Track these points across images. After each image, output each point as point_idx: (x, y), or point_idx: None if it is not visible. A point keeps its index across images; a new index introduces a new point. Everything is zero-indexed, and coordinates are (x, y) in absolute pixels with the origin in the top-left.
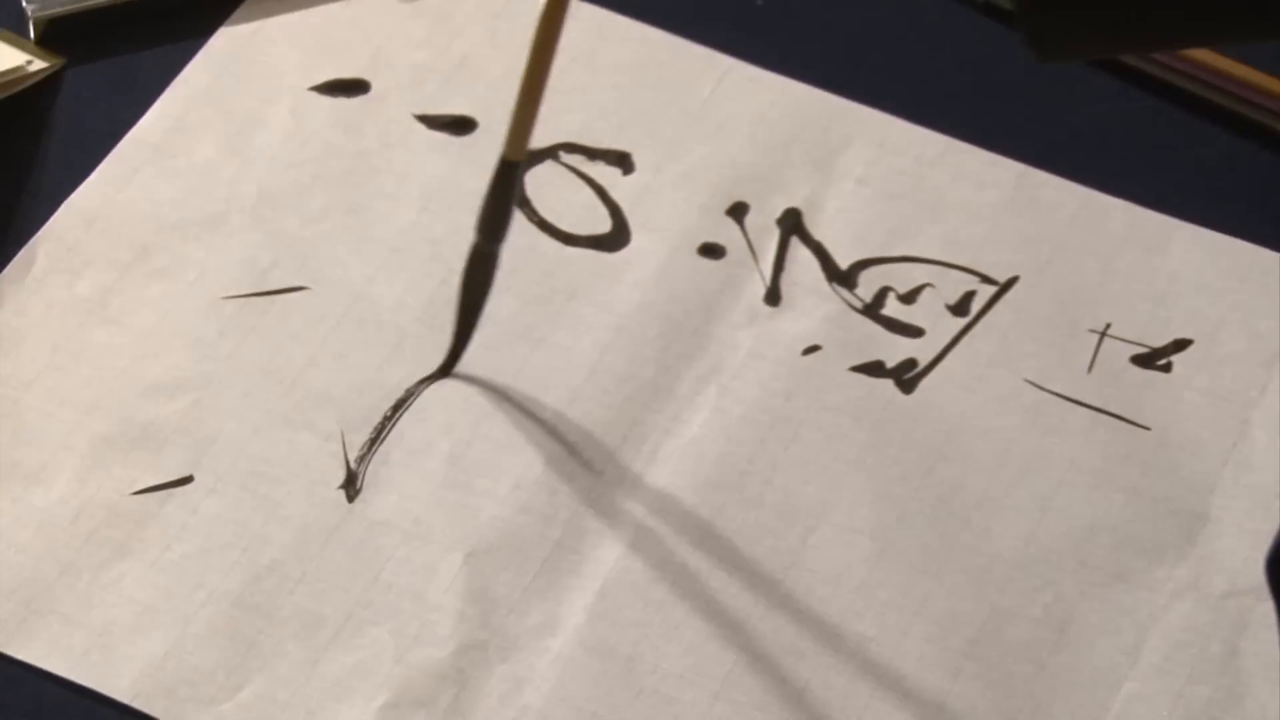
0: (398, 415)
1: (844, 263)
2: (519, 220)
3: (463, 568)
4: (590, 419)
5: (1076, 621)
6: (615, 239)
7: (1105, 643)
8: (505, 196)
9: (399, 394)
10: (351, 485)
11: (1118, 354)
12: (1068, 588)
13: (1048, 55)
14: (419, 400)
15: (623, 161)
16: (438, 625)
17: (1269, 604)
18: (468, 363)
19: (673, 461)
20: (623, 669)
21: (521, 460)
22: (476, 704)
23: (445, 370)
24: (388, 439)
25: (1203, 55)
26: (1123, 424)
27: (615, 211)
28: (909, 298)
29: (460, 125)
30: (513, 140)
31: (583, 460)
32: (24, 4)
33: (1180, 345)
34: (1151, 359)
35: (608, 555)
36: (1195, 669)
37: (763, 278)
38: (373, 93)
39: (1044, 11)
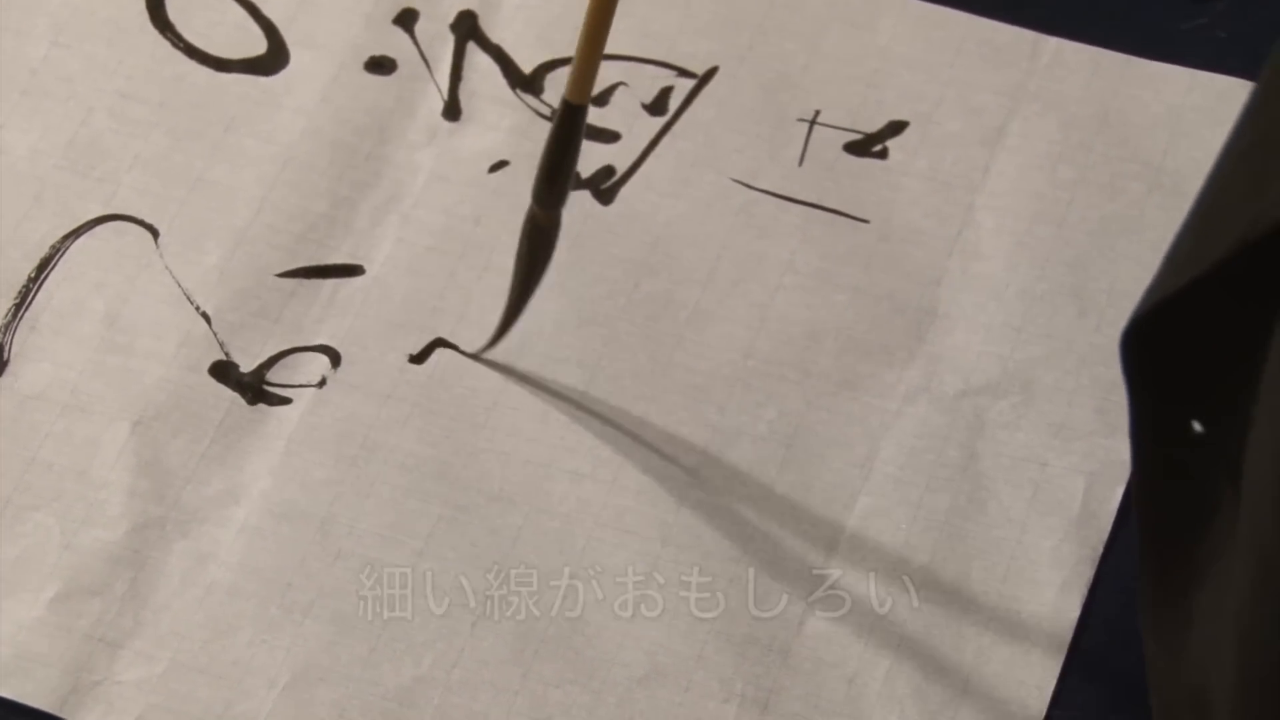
0: (43, 276)
1: (527, 66)
2: (164, 49)
3: (130, 438)
4: (260, 262)
5: (804, 435)
6: (272, 60)
7: (836, 456)
8: (568, 150)
9: (43, 252)
10: None
11: (830, 143)
12: (792, 401)
13: None
14: (66, 257)
15: None
16: (107, 504)
17: (1005, 402)
18: (115, 205)
19: (355, 303)
20: (316, 533)
21: (186, 314)
22: (157, 586)
23: (486, 347)
24: (34, 303)
25: None
26: (840, 218)
27: (270, 30)
28: (601, 99)
29: None
30: (577, 78)
31: (255, 308)
32: None
33: (896, 128)
34: (866, 145)
35: (290, 412)
36: (933, 476)
37: (440, 90)
38: None
39: None
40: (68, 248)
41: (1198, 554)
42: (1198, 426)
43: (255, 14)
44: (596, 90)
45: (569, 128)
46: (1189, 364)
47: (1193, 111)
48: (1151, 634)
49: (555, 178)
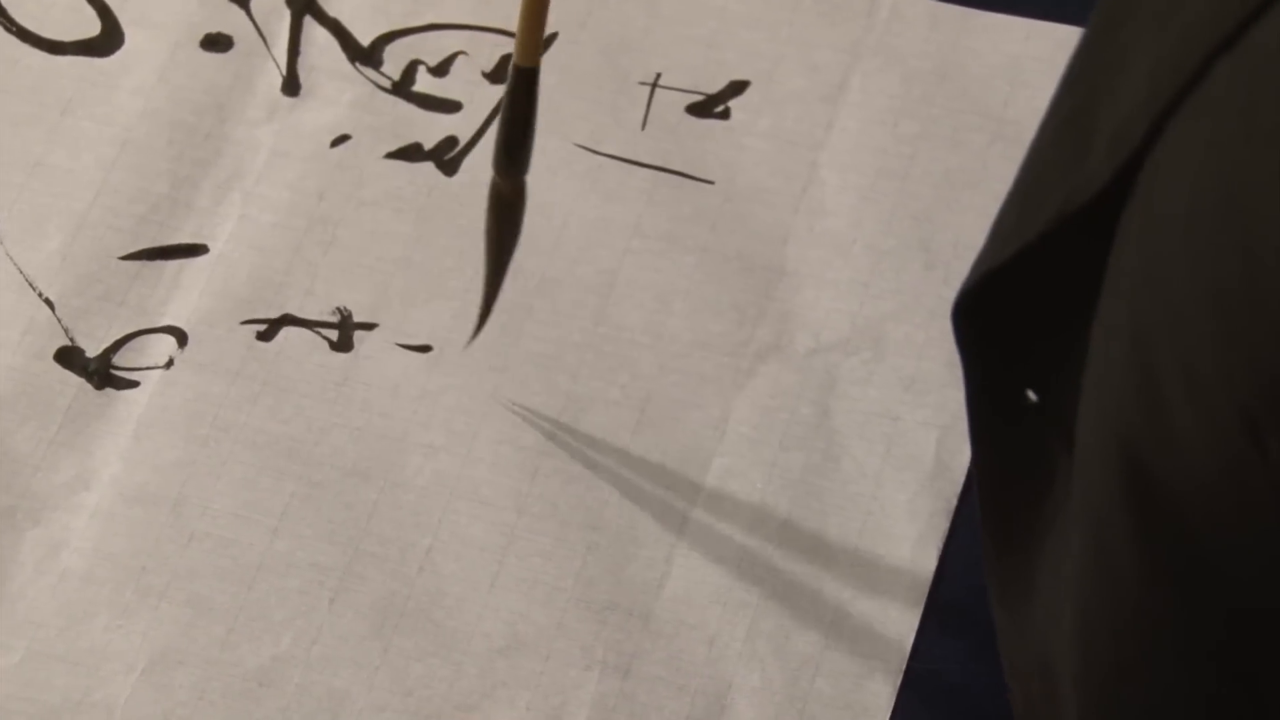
0: None
1: (366, 38)
2: None
3: None
4: (102, 245)
5: (657, 399)
6: (107, 41)
7: (690, 418)
8: (523, 115)
9: None
10: None
11: (672, 105)
12: (644, 364)
13: None
14: None
15: None
16: None
17: (856, 358)
18: None
19: (201, 282)
20: (170, 515)
21: (29, 301)
22: (9, 576)
23: (475, 332)
24: None
25: None
26: (685, 180)
27: (104, 10)
28: (441, 69)
29: None
30: (524, 39)
31: (99, 292)
32: None
33: (737, 88)
34: (708, 106)
35: (139, 395)
36: (787, 434)
37: (278, 66)
38: None
39: None
40: None
41: (1036, 523)
42: (1033, 395)
43: None
44: (435, 60)
45: (522, 92)
46: (1021, 333)
47: (1032, 61)
48: (997, 601)
49: (512, 146)
